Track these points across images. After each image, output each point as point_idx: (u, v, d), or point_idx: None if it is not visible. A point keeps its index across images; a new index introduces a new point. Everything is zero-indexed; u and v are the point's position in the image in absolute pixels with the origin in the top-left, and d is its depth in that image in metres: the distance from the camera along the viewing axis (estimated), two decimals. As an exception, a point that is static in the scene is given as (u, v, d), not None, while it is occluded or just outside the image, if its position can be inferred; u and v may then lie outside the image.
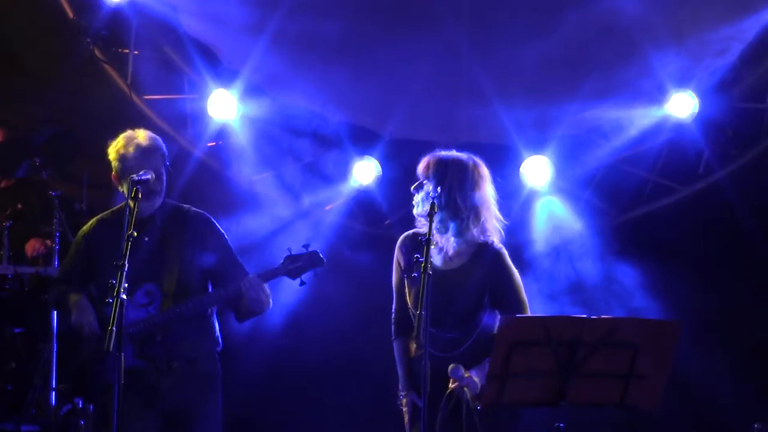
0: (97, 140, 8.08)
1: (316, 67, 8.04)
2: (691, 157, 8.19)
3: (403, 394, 5.28)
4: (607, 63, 7.84)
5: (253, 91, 8.21)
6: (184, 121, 8.30)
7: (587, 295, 7.89)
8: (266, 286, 5.39)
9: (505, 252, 5.24)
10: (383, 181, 8.29)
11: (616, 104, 7.97)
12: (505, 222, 5.31)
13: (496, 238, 5.23)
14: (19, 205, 8.00)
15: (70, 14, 8.19)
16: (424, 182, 5.19)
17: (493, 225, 5.24)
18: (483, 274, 5.17)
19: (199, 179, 8.00)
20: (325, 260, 5.46)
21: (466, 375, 5.01)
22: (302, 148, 8.51)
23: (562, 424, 4.53)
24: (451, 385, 5.05)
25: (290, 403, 8.27)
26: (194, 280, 5.45)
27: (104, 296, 4.81)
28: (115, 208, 5.60)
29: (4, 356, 7.69)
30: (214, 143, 8.33)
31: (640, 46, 7.73)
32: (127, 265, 4.71)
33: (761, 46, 7.90)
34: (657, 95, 7.98)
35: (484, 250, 5.20)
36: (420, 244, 4.85)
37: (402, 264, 5.29)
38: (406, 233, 5.36)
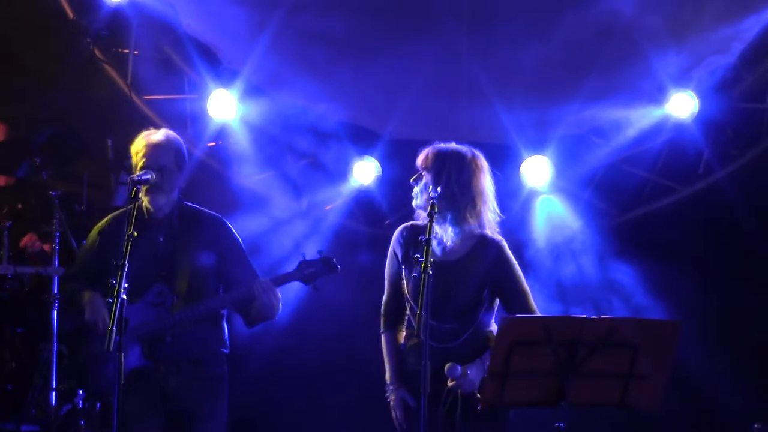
0: (97, 140, 8.15)
1: (316, 67, 8.04)
2: (691, 157, 8.20)
3: (391, 388, 5.28)
4: (607, 63, 7.84)
5: (253, 91, 8.21)
6: (184, 121, 8.30)
7: (587, 295, 7.90)
8: (278, 290, 5.38)
9: (506, 244, 5.28)
10: (383, 181, 8.30)
11: (616, 104, 7.98)
12: (502, 216, 5.33)
13: (492, 230, 5.26)
14: (19, 205, 8.00)
15: (70, 14, 8.19)
16: (423, 173, 5.22)
17: (491, 217, 5.26)
18: (485, 267, 5.20)
19: (199, 179, 7.98)
20: (339, 267, 5.44)
21: (464, 374, 5.02)
22: (302, 148, 8.52)
23: (562, 424, 4.53)
24: (449, 384, 5.06)
25: (290, 403, 8.26)
26: (206, 283, 5.42)
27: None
28: (131, 205, 5.53)
29: (4, 356, 7.69)
30: (214, 143, 8.33)
31: (640, 46, 7.73)
32: (127, 264, 4.70)
33: (761, 46, 7.90)
34: (657, 95, 7.98)
35: (485, 243, 5.23)
36: (418, 236, 4.91)
37: (399, 255, 5.30)
38: (404, 224, 5.37)
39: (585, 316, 4.48)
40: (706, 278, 7.96)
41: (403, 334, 5.32)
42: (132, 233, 4.78)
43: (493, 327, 5.26)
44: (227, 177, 8.30)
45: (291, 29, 7.93)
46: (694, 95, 7.95)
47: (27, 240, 7.73)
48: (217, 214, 5.59)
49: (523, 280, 5.28)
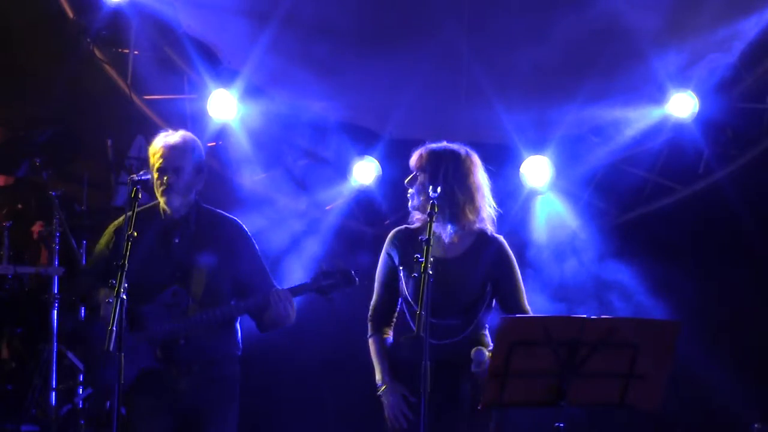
0: (97, 140, 8.15)
1: (316, 67, 8.04)
2: (691, 157, 8.19)
3: (385, 386, 5.28)
4: (607, 63, 7.84)
5: (253, 91, 8.21)
6: (184, 121, 8.29)
7: (587, 295, 7.89)
8: (294, 300, 5.34)
9: (505, 242, 5.30)
10: (383, 181, 8.30)
11: (616, 104, 7.98)
12: (499, 210, 5.34)
13: (490, 225, 5.28)
14: (19, 205, 8.00)
15: (70, 14, 8.20)
16: (418, 174, 5.22)
17: (489, 211, 5.28)
18: (486, 265, 5.21)
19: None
20: (357, 280, 5.38)
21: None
22: (302, 148, 8.51)
23: (562, 424, 4.53)
24: (474, 369, 5.06)
25: (290, 403, 8.26)
26: (222, 286, 5.37)
27: (130, 292, 4.76)
28: (147, 205, 5.47)
29: (4, 356, 7.69)
30: (214, 143, 8.33)
31: (641, 46, 7.73)
32: (127, 265, 4.69)
33: (761, 46, 7.90)
34: (657, 95, 7.98)
35: (485, 240, 5.24)
36: (414, 238, 4.95)
37: (395, 257, 5.29)
38: (397, 228, 5.37)
39: (585, 316, 4.49)
40: (706, 278, 7.96)
41: (390, 332, 5.34)
42: (132, 233, 4.76)
43: (487, 333, 5.28)
44: (227, 177, 8.30)
45: (291, 30, 7.93)
46: (694, 95, 7.94)
47: (36, 228, 7.72)
48: (234, 219, 5.53)
49: (521, 279, 5.30)
